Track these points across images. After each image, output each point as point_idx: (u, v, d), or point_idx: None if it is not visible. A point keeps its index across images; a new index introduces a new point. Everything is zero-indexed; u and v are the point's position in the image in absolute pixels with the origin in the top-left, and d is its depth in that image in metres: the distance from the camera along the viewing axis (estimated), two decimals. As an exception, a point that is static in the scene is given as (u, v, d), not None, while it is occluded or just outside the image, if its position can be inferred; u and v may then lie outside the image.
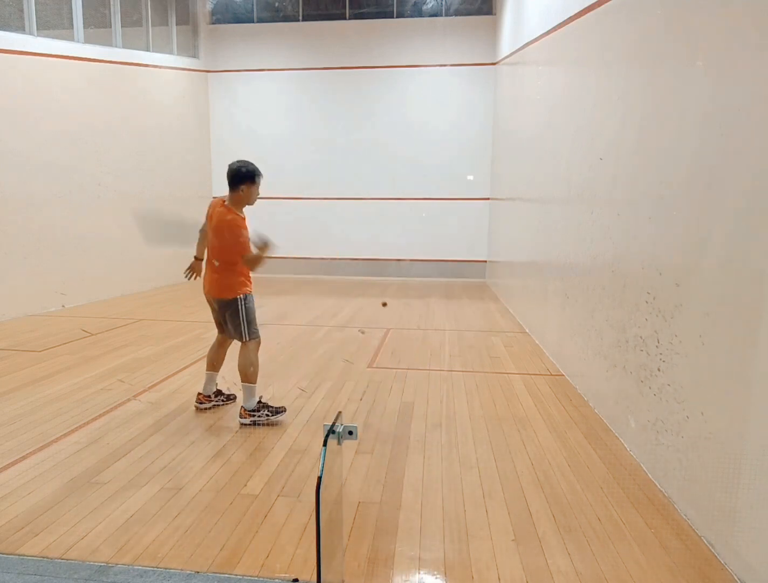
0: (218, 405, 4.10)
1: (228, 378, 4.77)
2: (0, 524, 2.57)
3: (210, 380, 4.07)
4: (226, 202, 3.71)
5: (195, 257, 4.07)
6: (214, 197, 11.76)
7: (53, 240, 7.79)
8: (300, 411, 4.05)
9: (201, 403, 4.04)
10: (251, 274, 3.82)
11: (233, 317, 3.75)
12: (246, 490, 2.92)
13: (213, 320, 4.04)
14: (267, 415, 3.76)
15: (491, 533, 2.55)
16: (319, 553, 1.78)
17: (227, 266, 3.72)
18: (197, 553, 2.37)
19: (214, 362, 4.07)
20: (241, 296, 3.74)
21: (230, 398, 4.19)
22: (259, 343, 3.87)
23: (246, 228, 3.67)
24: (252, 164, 3.72)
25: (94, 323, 6.89)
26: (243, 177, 3.66)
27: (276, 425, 3.75)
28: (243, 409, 3.78)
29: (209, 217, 3.80)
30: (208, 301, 3.91)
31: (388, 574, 2.27)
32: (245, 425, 3.74)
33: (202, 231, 4.00)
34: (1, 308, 7.02)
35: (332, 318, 7.47)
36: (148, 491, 2.88)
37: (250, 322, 3.78)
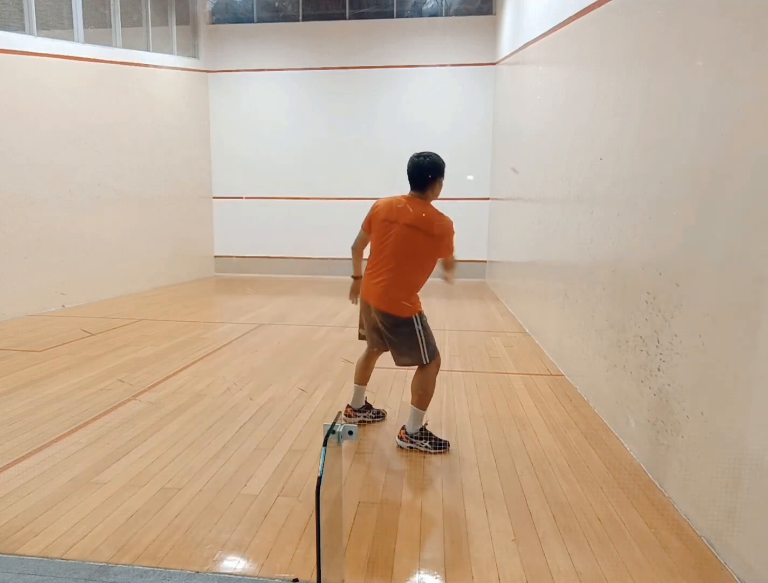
0: (365, 421, 3.80)
1: (228, 377, 4.78)
2: (0, 524, 2.57)
3: (358, 393, 3.79)
4: (417, 199, 3.32)
5: (353, 277, 3.67)
6: (213, 197, 11.80)
7: (53, 240, 7.80)
8: (300, 411, 4.05)
9: (348, 416, 3.77)
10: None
11: (409, 338, 3.33)
12: (246, 490, 2.92)
13: (361, 329, 3.64)
14: (427, 447, 3.38)
15: (491, 533, 2.55)
16: (319, 553, 1.78)
17: (412, 277, 3.32)
18: (197, 553, 2.37)
19: (363, 375, 3.73)
20: (417, 315, 3.35)
21: (380, 414, 3.88)
22: (439, 363, 3.46)
23: None
24: (438, 155, 3.37)
25: (94, 323, 6.89)
26: (440, 171, 3.31)
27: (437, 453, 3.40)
28: (404, 430, 3.46)
29: (384, 219, 3.35)
30: (366, 309, 3.48)
31: (388, 574, 2.26)
32: (402, 448, 3.42)
33: (357, 248, 3.61)
34: (1, 307, 7.03)
35: (332, 318, 7.48)
36: (148, 491, 2.88)
37: (428, 342, 3.36)
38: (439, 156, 3.36)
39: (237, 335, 6.40)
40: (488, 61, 10.72)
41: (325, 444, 1.82)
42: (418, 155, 3.35)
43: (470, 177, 11.01)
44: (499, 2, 10.28)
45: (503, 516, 2.69)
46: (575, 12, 4.86)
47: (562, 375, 4.96)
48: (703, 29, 2.70)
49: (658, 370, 3.01)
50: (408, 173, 3.36)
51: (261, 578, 2.23)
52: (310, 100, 11.40)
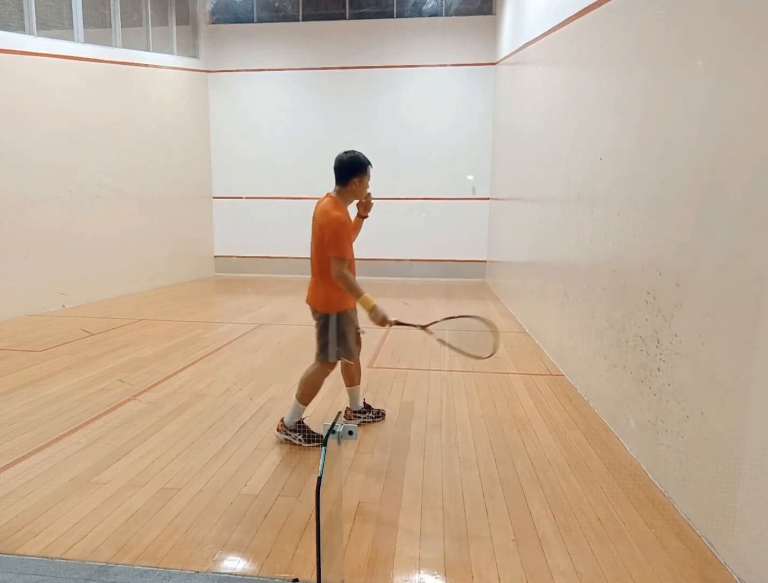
0: (366, 422, 3.80)
1: (228, 377, 4.78)
2: (0, 524, 2.57)
3: (353, 395, 3.81)
4: (332, 194, 3.39)
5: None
6: (213, 197, 11.81)
7: (53, 240, 7.80)
8: (300, 411, 4.04)
9: (348, 419, 3.79)
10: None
11: (323, 332, 3.40)
12: (246, 490, 2.92)
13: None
14: (300, 440, 3.46)
15: (491, 533, 2.55)
16: (319, 553, 1.78)
17: (325, 272, 3.32)
18: (197, 553, 2.37)
19: (347, 377, 3.76)
20: (335, 313, 3.37)
21: (380, 414, 3.90)
22: (332, 367, 3.51)
23: (348, 234, 3.29)
24: (361, 154, 3.40)
25: (94, 323, 6.89)
26: (354, 169, 3.32)
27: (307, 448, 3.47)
28: (281, 422, 3.53)
29: (313, 216, 3.42)
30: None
31: (388, 574, 2.26)
32: (278, 439, 3.51)
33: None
34: (1, 307, 7.03)
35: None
36: (148, 491, 2.88)
37: (340, 343, 3.39)
38: (361, 156, 3.38)
39: (237, 335, 6.40)
40: (488, 61, 10.72)
41: (325, 444, 1.82)
42: (344, 152, 3.41)
43: (470, 177, 11.01)
44: (499, 2, 10.28)
45: (503, 516, 2.69)
46: (575, 12, 4.86)
47: (562, 375, 4.96)
48: (703, 29, 2.70)
49: (658, 370, 3.01)
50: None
51: (261, 578, 2.23)
52: (310, 100, 11.40)
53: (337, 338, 3.40)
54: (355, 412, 3.82)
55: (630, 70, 3.67)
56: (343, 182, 3.37)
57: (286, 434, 3.48)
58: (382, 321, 3.25)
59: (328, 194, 3.44)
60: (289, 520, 2.64)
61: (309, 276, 3.50)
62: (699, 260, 2.63)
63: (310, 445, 3.44)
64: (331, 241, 3.22)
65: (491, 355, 3.22)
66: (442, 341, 3.34)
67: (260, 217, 11.66)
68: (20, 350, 5.65)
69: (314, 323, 3.50)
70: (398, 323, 3.30)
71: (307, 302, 3.52)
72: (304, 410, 3.51)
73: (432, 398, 4.37)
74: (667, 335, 2.91)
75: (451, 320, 3.32)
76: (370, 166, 3.40)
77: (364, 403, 3.88)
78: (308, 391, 3.47)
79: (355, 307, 3.51)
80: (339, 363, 3.58)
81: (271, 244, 11.66)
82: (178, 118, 10.56)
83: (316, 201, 3.51)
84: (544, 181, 5.98)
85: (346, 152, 3.40)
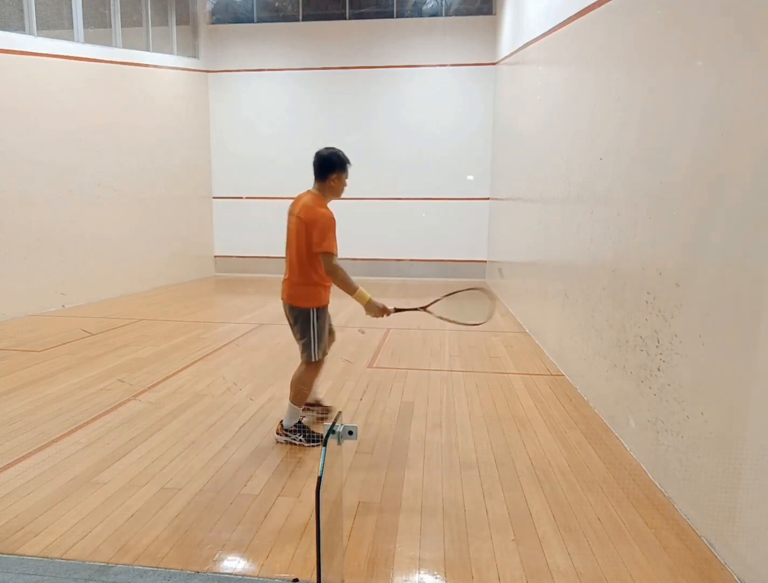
0: (321, 417, 3.81)
1: (228, 377, 4.78)
2: (0, 524, 2.57)
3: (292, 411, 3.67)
4: (312, 190, 3.39)
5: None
6: (213, 197, 11.80)
7: (53, 240, 7.80)
8: (300, 411, 4.04)
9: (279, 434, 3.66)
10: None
11: (303, 330, 3.38)
12: (246, 490, 2.92)
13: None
14: (301, 440, 3.45)
15: (491, 533, 2.55)
16: (319, 553, 1.78)
17: (304, 268, 3.31)
18: (197, 553, 2.37)
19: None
20: (314, 309, 3.37)
21: (327, 411, 3.89)
22: (320, 366, 3.52)
23: (335, 228, 3.26)
24: (340, 151, 3.40)
25: (94, 323, 6.89)
26: (333, 165, 3.33)
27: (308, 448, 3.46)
28: (280, 425, 3.54)
29: (289, 213, 3.43)
30: (284, 310, 3.52)
31: (388, 574, 2.26)
32: (279, 442, 3.50)
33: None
34: (1, 307, 7.03)
35: (332, 318, 7.46)
36: (148, 491, 2.88)
37: (320, 340, 3.40)
38: (340, 154, 3.38)
39: (237, 335, 6.40)
40: (488, 61, 10.72)
41: (325, 444, 1.82)
42: (324, 148, 3.42)
43: (470, 177, 11.01)
44: (499, 2, 10.28)
45: (503, 516, 2.69)
46: (575, 12, 4.86)
47: (562, 375, 4.96)
48: (703, 29, 2.70)
49: (658, 370, 3.01)
50: None
51: (261, 578, 2.23)
52: (310, 100, 11.40)
53: (318, 335, 3.39)
54: (309, 404, 3.81)
55: (630, 70, 3.67)
56: (322, 178, 3.37)
57: (286, 436, 3.48)
58: (382, 311, 3.27)
59: (308, 191, 3.44)
60: (289, 520, 2.64)
61: None
62: (699, 260, 2.63)
63: (312, 445, 3.44)
64: (321, 237, 3.22)
65: (488, 319, 3.33)
66: (442, 318, 3.38)
67: (260, 217, 11.66)
68: (20, 350, 5.65)
69: (290, 322, 3.49)
70: (398, 310, 3.32)
71: (282, 300, 3.49)
72: (299, 411, 3.51)
73: (432, 398, 4.37)
74: (667, 335, 2.91)
75: (450, 296, 3.38)
76: (348, 165, 3.42)
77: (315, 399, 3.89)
78: (300, 392, 3.46)
79: (327, 304, 3.53)
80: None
81: (271, 244, 11.58)
82: (178, 118, 10.56)
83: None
84: (544, 181, 5.98)
85: (326, 148, 3.42)
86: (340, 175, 3.38)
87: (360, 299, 3.25)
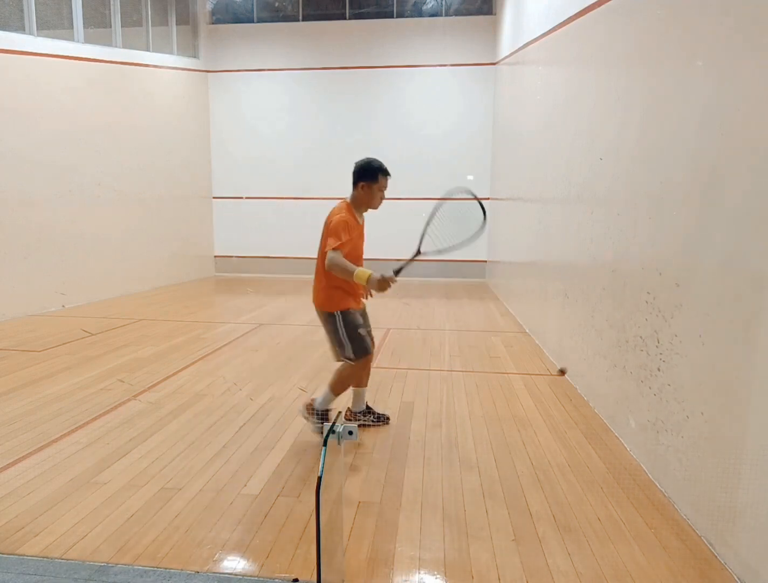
0: (366, 425, 3.73)
1: (228, 377, 4.78)
2: (0, 524, 2.57)
3: (356, 395, 3.76)
4: (346, 199, 3.45)
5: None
6: (213, 197, 11.80)
7: (53, 240, 7.80)
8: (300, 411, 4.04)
9: (347, 420, 3.74)
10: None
11: (333, 333, 3.43)
12: (246, 490, 2.92)
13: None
14: (316, 423, 3.51)
15: (491, 533, 2.55)
16: (319, 553, 1.78)
17: (325, 273, 3.34)
18: (197, 553, 2.37)
19: (357, 376, 3.68)
20: (338, 312, 3.38)
21: (381, 418, 3.80)
22: (363, 366, 3.54)
23: (348, 231, 3.25)
24: (377, 161, 3.39)
25: (94, 323, 6.89)
26: (361, 174, 3.36)
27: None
28: (312, 400, 3.57)
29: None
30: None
31: (388, 574, 2.26)
32: (303, 417, 3.60)
33: None
34: (1, 307, 7.03)
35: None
36: (148, 491, 2.88)
37: (352, 341, 3.40)
38: (373, 163, 3.39)
39: (237, 335, 6.40)
40: (488, 61, 10.72)
41: (325, 444, 1.82)
42: (363, 159, 3.46)
43: (470, 177, 11.01)
44: (499, 2, 10.28)
45: (503, 516, 2.69)
46: (575, 12, 4.86)
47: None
48: (703, 29, 2.70)
49: (658, 370, 3.01)
50: None
51: (261, 578, 2.23)
52: (310, 100, 11.40)
53: (348, 336, 3.40)
54: (355, 413, 3.79)
55: (630, 70, 3.67)
56: (353, 186, 3.43)
57: (308, 414, 3.54)
58: (384, 282, 3.16)
59: (343, 199, 3.50)
60: (289, 520, 2.63)
61: (309, 276, 3.51)
62: (699, 260, 2.63)
63: (317, 433, 3.52)
64: (327, 236, 3.27)
65: (484, 224, 3.37)
66: (440, 251, 3.29)
67: (260, 217, 11.66)
68: (20, 350, 5.65)
69: (320, 323, 3.55)
70: (398, 271, 3.22)
71: (313, 302, 3.56)
72: (333, 399, 3.55)
73: (432, 398, 4.37)
74: (667, 335, 2.91)
75: (431, 224, 3.35)
76: (383, 175, 3.39)
77: (366, 405, 3.86)
78: (340, 384, 3.51)
79: (361, 309, 3.52)
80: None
81: (271, 244, 11.66)
82: (178, 118, 10.56)
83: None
84: (544, 181, 5.98)
85: (365, 158, 3.45)
86: (369, 184, 3.38)
87: (359, 278, 3.18)
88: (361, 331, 3.46)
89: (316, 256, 3.50)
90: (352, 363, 3.47)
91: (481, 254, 11.21)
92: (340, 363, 3.53)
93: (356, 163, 3.44)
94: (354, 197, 3.44)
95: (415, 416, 3.98)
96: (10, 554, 2.35)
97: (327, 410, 3.53)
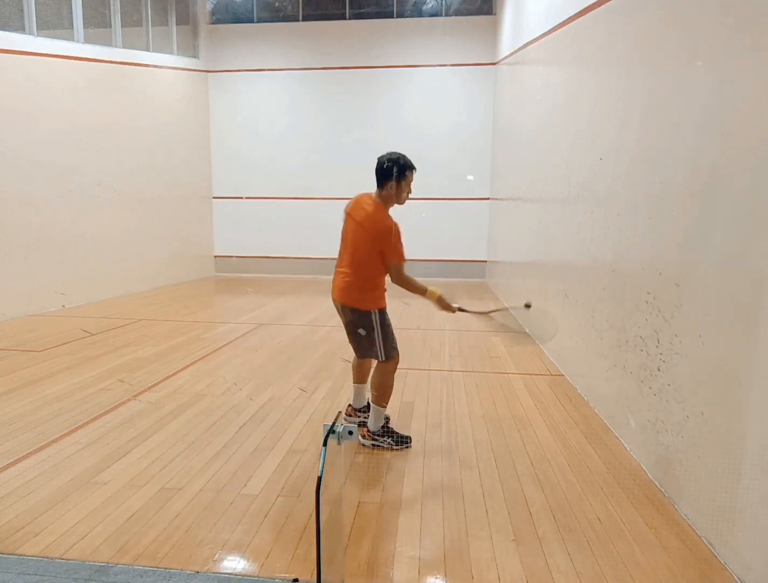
0: (366, 422, 3.63)
1: (228, 377, 4.78)
2: (0, 524, 2.57)
3: (358, 392, 3.75)
4: (373, 196, 3.35)
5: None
6: (213, 197, 11.81)
7: (53, 240, 7.79)
8: (300, 411, 4.05)
9: (349, 415, 3.75)
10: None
11: (367, 332, 3.35)
12: (246, 490, 2.92)
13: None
14: (390, 443, 3.42)
15: (491, 533, 2.55)
16: (319, 553, 1.78)
17: (365, 272, 3.31)
18: (197, 553, 2.37)
19: (359, 373, 3.69)
20: (375, 311, 3.33)
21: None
22: (397, 362, 3.47)
23: (401, 236, 3.26)
24: (403, 157, 3.31)
25: (94, 323, 6.89)
26: (389, 174, 3.25)
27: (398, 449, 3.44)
28: (366, 429, 3.48)
29: (347, 214, 3.43)
30: (336, 306, 3.49)
31: (388, 574, 2.26)
32: (365, 446, 3.45)
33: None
34: (1, 307, 7.02)
35: (332, 318, 7.45)
36: (148, 491, 2.88)
37: (386, 340, 3.37)
38: (398, 160, 3.28)
39: (237, 335, 6.40)
40: (488, 61, 10.72)
41: (325, 444, 1.82)
42: (387, 154, 3.35)
43: (470, 177, 11.00)
44: (499, 2, 10.27)
45: (503, 516, 2.69)
46: (575, 12, 4.86)
47: (562, 375, 4.96)
48: (703, 29, 2.70)
49: (658, 370, 3.01)
50: None
51: (261, 578, 2.23)
52: (310, 100, 11.39)
53: (383, 334, 3.37)
54: (356, 409, 3.79)
55: (630, 70, 3.67)
56: (380, 186, 3.33)
57: (374, 440, 3.44)
58: (450, 309, 3.33)
59: (368, 195, 3.39)
60: (289, 520, 2.64)
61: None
62: (699, 260, 2.63)
63: (399, 448, 3.42)
64: (392, 251, 3.22)
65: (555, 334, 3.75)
66: (506, 326, 3.58)
67: (260, 217, 11.66)
68: (20, 350, 5.65)
69: (343, 322, 3.45)
70: (461, 310, 3.37)
71: (335, 299, 3.44)
72: (384, 411, 3.48)
73: (432, 398, 4.37)
74: (667, 335, 2.91)
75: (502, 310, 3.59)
76: (410, 171, 3.33)
77: (368, 402, 3.86)
78: (383, 392, 3.43)
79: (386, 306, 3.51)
80: (353, 358, 3.62)
81: (271, 244, 11.65)
82: (178, 118, 10.55)
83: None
84: (544, 181, 5.98)
85: (388, 154, 3.33)
86: (398, 182, 3.30)
87: (431, 297, 3.28)
88: (391, 330, 3.44)
89: (340, 251, 3.45)
90: (384, 366, 3.41)
91: (481, 254, 11.22)
92: (374, 374, 3.46)
93: (381, 160, 3.29)
94: (382, 195, 3.33)
95: (415, 416, 3.98)
96: (10, 554, 2.35)
97: (385, 424, 3.50)
